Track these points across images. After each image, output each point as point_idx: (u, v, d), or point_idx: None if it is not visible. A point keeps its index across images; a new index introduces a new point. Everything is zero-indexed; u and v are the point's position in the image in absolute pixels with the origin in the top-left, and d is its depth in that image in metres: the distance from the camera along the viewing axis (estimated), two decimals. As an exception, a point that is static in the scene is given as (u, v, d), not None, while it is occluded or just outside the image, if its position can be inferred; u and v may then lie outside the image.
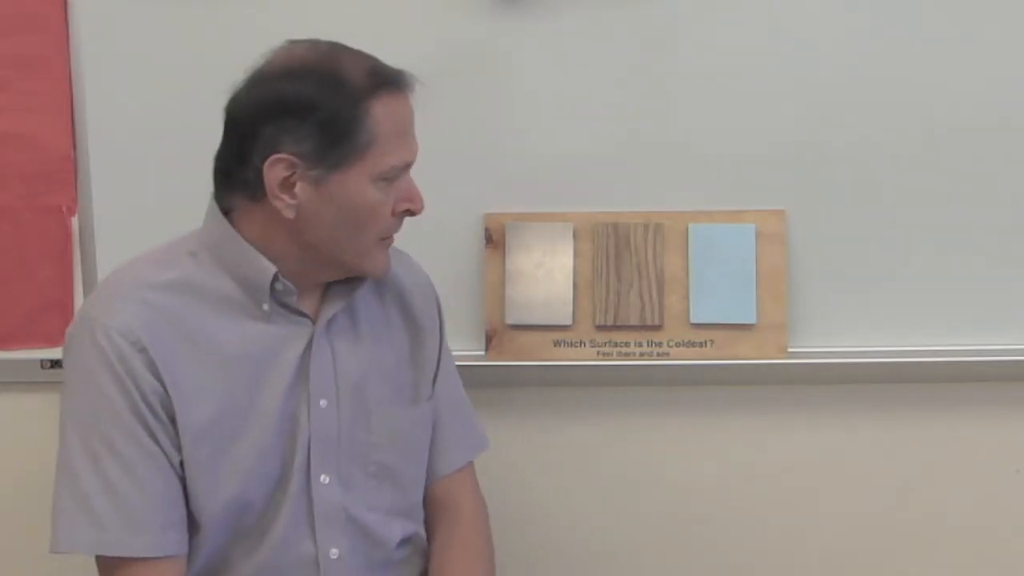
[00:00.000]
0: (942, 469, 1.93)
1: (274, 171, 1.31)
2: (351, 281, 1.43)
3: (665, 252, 1.84)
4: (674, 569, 1.98)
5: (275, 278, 1.35)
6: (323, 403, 1.41)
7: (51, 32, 1.81)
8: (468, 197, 1.84)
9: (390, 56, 1.80)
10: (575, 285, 1.85)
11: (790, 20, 1.78)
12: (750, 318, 1.83)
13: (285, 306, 1.38)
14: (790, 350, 1.83)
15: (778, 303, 1.83)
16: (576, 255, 1.85)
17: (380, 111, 1.33)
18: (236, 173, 1.34)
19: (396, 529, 1.49)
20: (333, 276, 1.41)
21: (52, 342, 1.84)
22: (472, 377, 1.83)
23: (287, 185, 1.31)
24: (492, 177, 1.84)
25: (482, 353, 1.85)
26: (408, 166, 1.39)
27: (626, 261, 1.85)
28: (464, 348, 1.84)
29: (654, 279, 1.84)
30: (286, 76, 1.32)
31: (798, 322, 1.84)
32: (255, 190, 1.33)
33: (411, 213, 1.41)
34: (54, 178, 1.83)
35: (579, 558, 1.98)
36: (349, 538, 1.43)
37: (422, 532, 1.55)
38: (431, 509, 1.58)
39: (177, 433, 1.33)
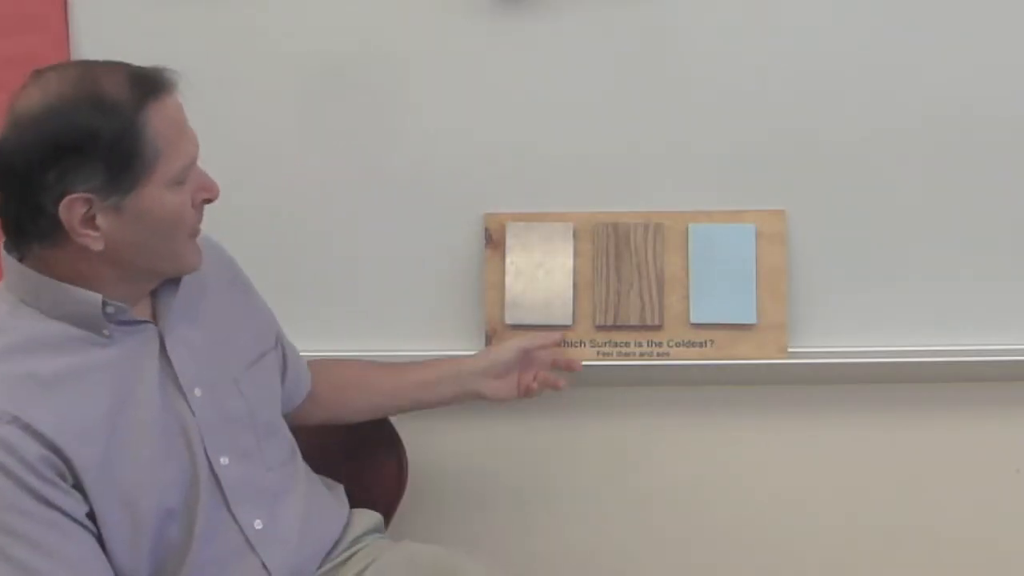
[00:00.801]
0: (942, 469, 1.93)
1: (71, 212, 1.26)
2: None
3: (665, 252, 1.84)
4: (674, 569, 1.98)
5: (104, 304, 1.33)
6: (198, 392, 1.42)
7: (51, 32, 1.81)
8: (468, 197, 1.84)
9: (390, 56, 1.81)
10: (575, 285, 1.85)
11: (790, 20, 1.78)
12: (750, 318, 1.83)
13: (124, 323, 1.36)
14: (790, 350, 1.83)
15: (778, 303, 1.83)
16: (576, 255, 1.85)
17: (155, 120, 1.29)
18: (28, 223, 1.28)
19: (292, 472, 1.54)
20: (154, 284, 1.41)
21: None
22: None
23: (87, 220, 1.27)
24: (492, 177, 1.84)
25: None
26: (194, 161, 1.36)
27: (626, 261, 1.85)
28: (464, 348, 1.84)
29: (654, 279, 1.84)
30: (52, 114, 1.25)
31: (798, 322, 1.84)
32: (55, 235, 1.28)
33: (209, 201, 1.39)
34: (54, 178, 1.83)
35: (579, 558, 1.98)
36: (266, 504, 1.46)
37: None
38: (319, 407, 1.68)
39: (80, 484, 1.29)
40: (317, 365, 1.70)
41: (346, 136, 1.82)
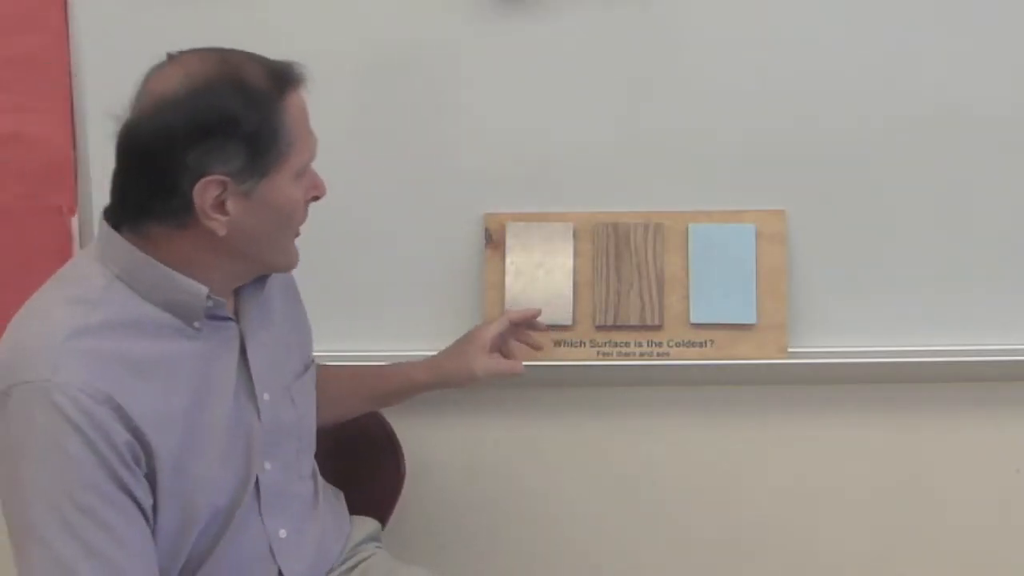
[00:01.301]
0: (942, 469, 1.93)
1: (205, 194, 1.27)
2: (259, 276, 1.44)
3: (665, 252, 1.84)
4: (674, 568, 1.98)
5: (207, 296, 1.34)
6: (266, 396, 1.43)
7: (51, 32, 1.81)
8: (468, 197, 1.84)
9: (390, 56, 1.81)
10: (575, 285, 1.85)
11: (790, 20, 1.78)
12: (750, 318, 1.83)
13: (214, 317, 1.37)
14: (790, 350, 1.83)
15: (778, 303, 1.83)
16: (576, 255, 1.85)
17: (291, 110, 1.32)
18: (158, 203, 1.29)
19: (317, 484, 1.56)
20: (250, 278, 1.41)
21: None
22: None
23: (218, 204, 1.28)
24: (492, 177, 1.84)
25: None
26: (314, 157, 1.39)
27: (626, 261, 1.85)
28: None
29: (654, 279, 1.84)
30: (197, 96, 1.26)
31: (798, 322, 1.84)
32: (182, 216, 1.29)
33: (316, 199, 1.41)
34: (54, 178, 1.84)
35: (579, 558, 1.98)
36: (292, 514, 1.47)
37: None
38: None
39: (153, 472, 1.29)
40: None
41: (346, 136, 1.82)
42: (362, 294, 1.87)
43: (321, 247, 1.85)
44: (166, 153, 1.26)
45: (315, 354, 1.71)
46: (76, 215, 1.84)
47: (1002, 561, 1.95)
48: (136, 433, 1.27)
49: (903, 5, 1.77)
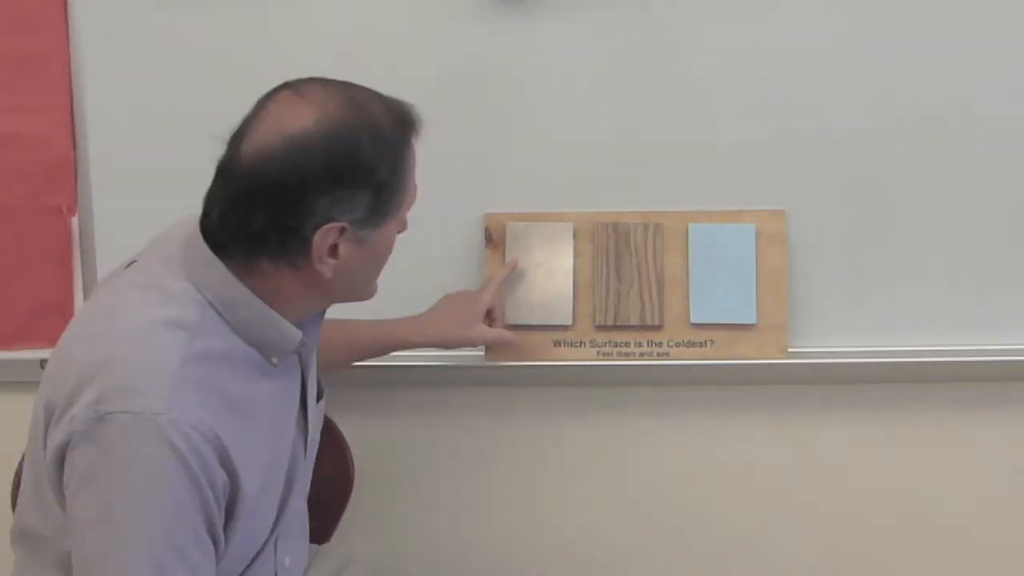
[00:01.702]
0: (942, 469, 1.93)
1: (325, 239, 1.24)
2: None
3: (665, 252, 1.84)
4: (674, 568, 1.98)
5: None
6: (312, 431, 1.43)
7: (51, 32, 1.81)
8: (468, 197, 1.84)
9: (389, 56, 1.81)
10: (575, 285, 1.85)
11: (790, 20, 1.78)
12: (750, 318, 1.83)
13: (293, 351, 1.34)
14: (790, 350, 1.83)
15: (778, 303, 1.83)
16: (576, 255, 1.85)
17: (410, 160, 1.31)
18: (275, 241, 1.24)
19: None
20: (325, 307, 1.39)
21: (52, 342, 1.81)
22: (472, 377, 1.83)
23: (332, 248, 1.26)
24: (492, 177, 1.84)
25: (482, 353, 1.85)
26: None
27: (626, 261, 1.85)
28: (464, 348, 1.84)
29: (654, 279, 1.84)
30: (333, 140, 1.23)
31: (798, 322, 1.84)
32: (296, 257, 1.25)
33: (399, 232, 1.39)
34: (54, 178, 1.84)
35: (579, 557, 1.98)
36: (296, 539, 1.46)
37: None
38: None
39: (232, 510, 1.25)
40: None
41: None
42: (362, 294, 1.87)
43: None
44: (297, 195, 1.22)
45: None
46: (76, 215, 1.84)
47: (1002, 561, 1.95)
48: (230, 471, 1.23)
49: (903, 5, 1.77)
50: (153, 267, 1.30)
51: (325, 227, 1.23)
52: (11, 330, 1.85)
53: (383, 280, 1.83)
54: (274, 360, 1.30)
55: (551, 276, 1.85)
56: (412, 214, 1.83)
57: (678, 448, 1.94)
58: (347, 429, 1.80)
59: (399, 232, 1.38)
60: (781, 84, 1.79)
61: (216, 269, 1.26)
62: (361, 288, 1.36)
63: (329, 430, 1.79)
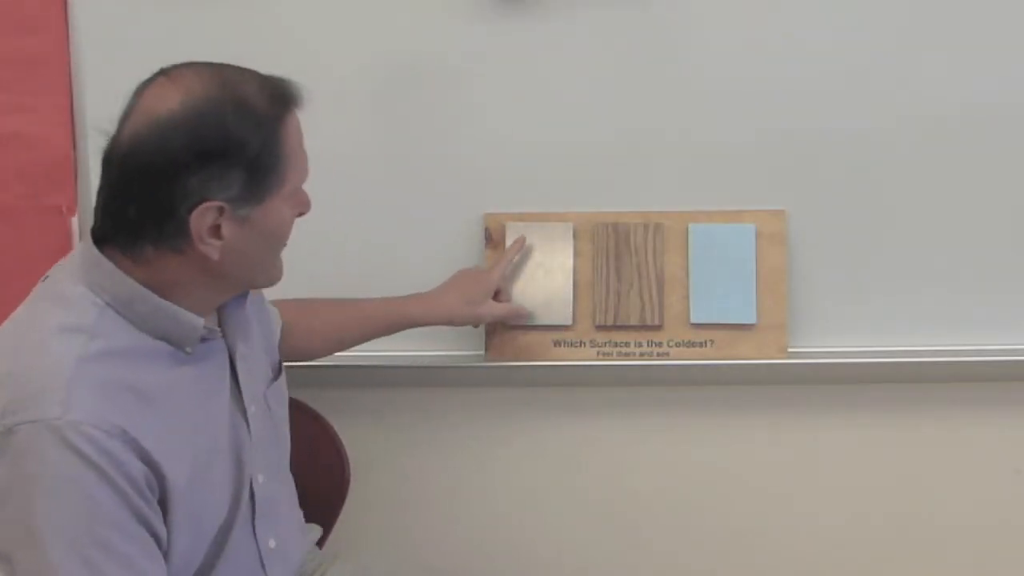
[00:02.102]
0: (942, 469, 1.93)
1: (203, 220, 1.24)
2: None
3: (665, 252, 1.84)
4: (674, 569, 1.98)
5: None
6: (253, 408, 1.42)
7: (51, 32, 1.81)
8: (468, 197, 1.84)
9: (390, 56, 1.81)
10: (575, 285, 1.85)
11: (790, 20, 1.78)
12: (750, 318, 1.83)
13: (204, 339, 1.34)
14: (790, 350, 1.83)
15: (778, 303, 1.83)
16: (576, 255, 1.85)
17: (289, 134, 1.29)
18: (152, 226, 1.25)
19: (292, 488, 1.55)
20: (234, 294, 1.39)
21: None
22: (472, 377, 1.83)
23: (213, 229, 1.25)
24: (492, 177, 1.84)
25: (482, 353, 1.85)
26: (307, 177, 1.36)
27: (626, 261, 1.85)
28: (464, 348, 1.84)
29: (654, 279, 1.84)
30: (198, 118, 1.22)
31: (798, 322, 1.84)
32: (177, 241, 1.25)
33: (301, 215, 1.38)
34: (54, 178, 1.83)
35: (578, 557, 1.98)
36: (279, 522, 1.46)
37: None
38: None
39: (165, 501, 1.26)
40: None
41: (345, 136, 1.82)
42: (362, 294, 1.86)
43: (321, 247, 1.86)
44: (166, 177, 1.22)
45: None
46: (76, 215, 1.84)
47: (1002, 561, 1.95)
48: (150, 463, 1.23)
49: (903, 5, 1.77)
50: (57, 277, 1.32)
51: (200, 207, 1.23)
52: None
53: (383, 280, 1.85)
54: (187, 349, 1.31)
55: (551, 276, 1.85)
56: (412, 213, 1.85)
57: (678, 448, 1.94)
58: (345, 429, 1.80)
59: (301, 213, 1.37)
60: (781, 84, 1.79)
61: (107, 268, 1.27)
62: (260, 271, 1.35)
63: (325, 430, 1.79)
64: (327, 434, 1.79)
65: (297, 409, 1.76)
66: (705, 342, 1.84)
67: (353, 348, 1.82)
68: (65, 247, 1.84)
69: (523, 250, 1.83)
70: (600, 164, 1.83)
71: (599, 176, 1.84)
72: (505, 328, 1.84)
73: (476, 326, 1.79)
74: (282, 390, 1.54)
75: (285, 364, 1.57)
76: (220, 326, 1.38)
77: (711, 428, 1.93)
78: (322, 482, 1.76)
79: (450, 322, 1.72)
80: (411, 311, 1.70)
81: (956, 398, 1.90)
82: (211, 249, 1.26)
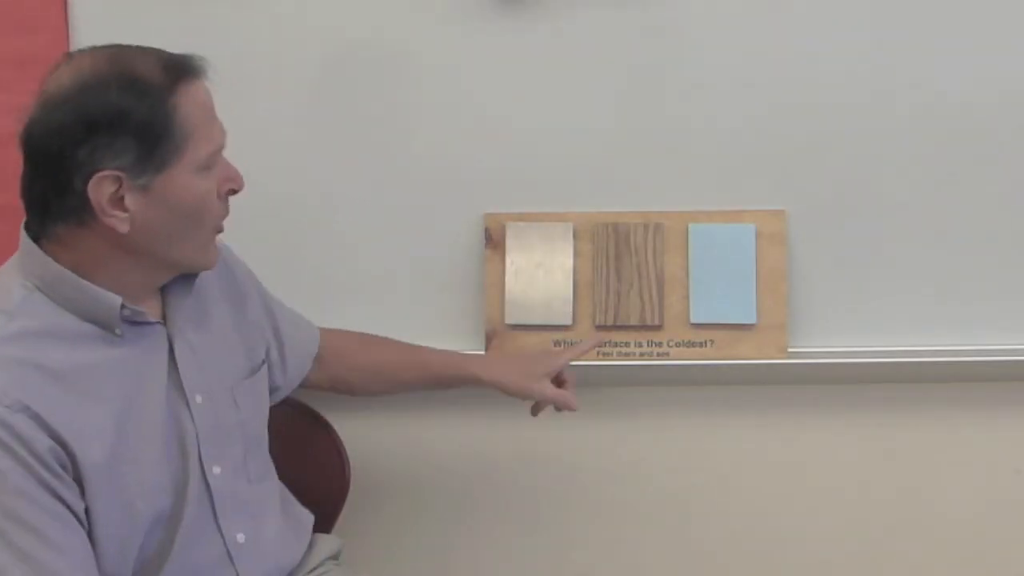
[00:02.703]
0: (942, 469, 1.93)
1: (100, 190, 1.26)
2: (186, 276, 1.43)
3: (665, 252, 1.84)
4: (674, 568, 1.98)
5: (122, 306, 1.33)
6: (199, 399, 1.42)
7: (51, 32, 1.81)
8: (468, 197, 1.84)
9: (390, 55, 1.81)
10: (575, 285, 1.85)
11: (790, 20, 1.78)
12: (750, 318, 1.83)
13: (136, 323, 1.36)
14: (790, 350, 1.83)
15: (778, 303, 1.83)
16: (576, 255, 1.85)
17: (185, 103, 1.30)
18: (57, 202, 1.28)
19: (271, 488, 1.55)
20: (168, 278, 1.40)
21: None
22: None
23: (116, 200, 1.28)
24: (492, 177, 1.84)
25: (482, 353, 1.85)
26: (222, 148, 1.37)
27: (626, 261, 1.85)
28: (464, 348, 1.84)
29: (654, 279, 1.84)
30: (84, 91, 1.26)
31: (798, 322, 1.84)
32: (82, 214, 1.28)
33: (234, 192, 1.39)
34: (54, 178, 1.83)
35: (578, 557, 1.98)
36: (249, 518, 1.46)
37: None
38: (320, 372, 1.69)
39: (80, 479, 1.28)
40: (331, 336, 1.71)
41: (345, 136, 1.82)
42: (362, 293, 1.87)
43: (321, 247, 1.86)
44: (57, 151, 1.26)
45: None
46: (76, 215, 1.84)
47: (1002, 561, 1.95)
48: (58, 440, 1.26)
49: (903, 6, 1.77)
50: (1, 269, 1.38)
51: (95, 177, 1.26)
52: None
53: (384, 279, 1.85)
54: (117, 331, 1.33)
55: (551, 276, 1.85)
56: (412, 213, 1.85)
57: (678, 448, 1.94)
58: (345, 429, 1.80)
59: (232, 191, 1.38)
60: (781, 84, 1.79)
61: (34, 254, 1.32)
62: (180, 247, 1.36)
63: (325, 430, 1.79)
64: (327, 434, 1.79)
65: (297, 409, 1.77)
66: (705, 342, 1.84)
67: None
68: (65, 247, 1.84)
69: (597, 342, 1.80)
70: (600, 164, 1.83)
71: (599, 176, 1.84)
72: (505, 328, 1.84)
73: (524, 399, 1.72)
74: (258, 390, 1.54)
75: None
76: (164, 314, 1.40)
77: (711, 428, 1.93)
78: (322, 482, 1.76)
79: (501, 388, 1.68)
80: (473, 370, 1.69)
81: (956, 398, 1.90)
82: (117, 221, 1.28)
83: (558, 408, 1.68)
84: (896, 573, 1.96)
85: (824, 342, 1.85)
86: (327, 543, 1.64)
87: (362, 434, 1.85)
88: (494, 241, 1.85)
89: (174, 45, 1.36)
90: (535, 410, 1.72)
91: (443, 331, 1.84)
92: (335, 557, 1.64)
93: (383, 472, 1.94)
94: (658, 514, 1.96)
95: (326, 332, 1.71)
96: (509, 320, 1.84)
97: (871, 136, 1.80)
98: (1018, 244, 1.83)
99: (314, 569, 1.59)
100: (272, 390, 1.61)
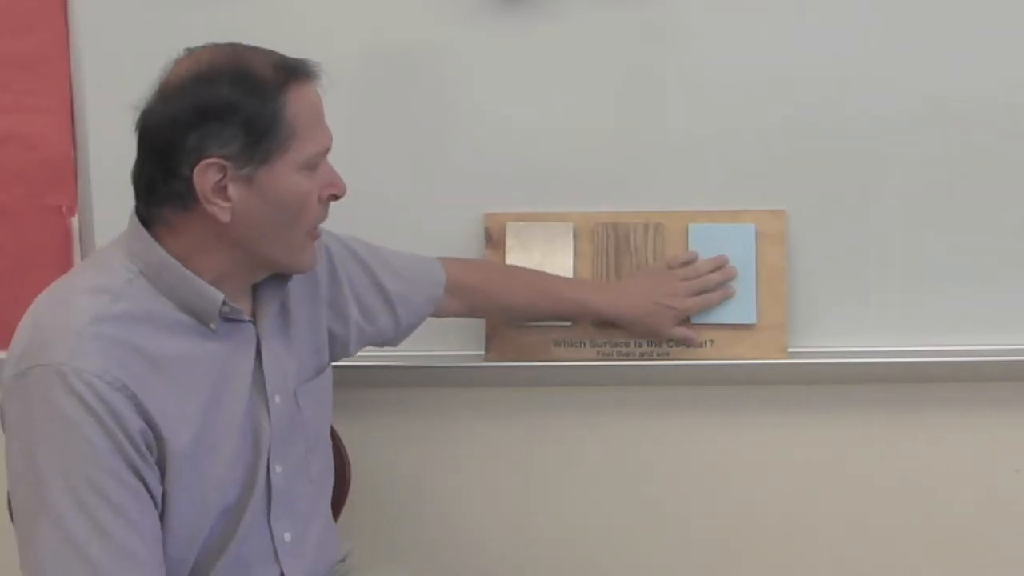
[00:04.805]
0: (942, 469, 1.93)
1: (205, 177, 1.31)
2: (278, 277, 1.45)
3: (665, 252, 1.84)
4: (674, 569, 1.98)
5: (223, 302, 1.36)
6: (278, 399, 1.44)
7: (51, 32, 1.81)
8: (468, 197, 1.84)
9: (391, 56, 1.81)
10: (575, 285, 1.85)
11: (790, 20, 1.78)
12: (750, 318, 1.83)
13: (230, 320, 1.39)
14: (790, 350, 1.83)
15: (778, 303, 1.83)
16: (576, 255, 1.85)
17: (294, 101, 1.34)
18: (163, 187, 1.33)
19: (326, 489, 1.58)
20: (263, 276, 1.43)
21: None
22: (472, 377, 1.83)
23: (219, 189, 1.32)
24: (492, 177, 1.84)
25: (482, 353, 1.85)
26: (327, 151, 1.40)
27: (626, 261, 1.84)
28: (464, 348, 1.84)
29: (654, 279, 1.84)
30: (199, 82, 1.32)
31: (798, 322, 1.84)
32: (187, 200, 1.33)
33: (335, 198, 1.42)
34: (54, 178, 1.84)
35: (579, 558, 1.98)
36: (298, 518, 1.48)
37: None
38: (455, 304, 1.74)
39: (164, 463, 1.32)
40: (460, 271, 1.75)
41: (345, 136, 1.81)
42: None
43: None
44: (169, 137, 1.31)
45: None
46: (76, 215, 1.84)
47: (1002, 561, 1.95)
48: (149, 422, 1.30)
49: (904, 5, 1.77)
50: (105, 247, 1.43)
51: (202, 163, 1.30)
52: (11, 330, 1.84)
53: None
54: (212, 325, 1.37)
55: (551, 276, 1.85)
56: (412, 213, 1.85)
57: (678, 448, 1.94)
58: (345, 429, 1.80)
59: (334, 196, 1.41)
60: (781, 84, 1.79)
61: (143, 238, 1.36)
62: (277, 244, 1.38)
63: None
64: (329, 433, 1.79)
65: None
66: (705, 342, 1.84)
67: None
68: (65, 247, 1.84)
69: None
70: (600, 164, 1.83)
71: (599, 176, 1.84)
72: (505, 328, 1.84)
73: (651, 340, 1.82)
74: (320, 392, 1.56)
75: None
76: (254, 313, 1.44)
77: (711, 428, 1.93)
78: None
79: (627, 327, 1.80)
80: (597, 303, 1.78)
81: (956, 398, 1.90)
82: (219, 209, 1.32)
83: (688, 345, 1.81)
84: (896, 573, 1.96)
85: (824, 342, 1.85)
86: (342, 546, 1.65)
87: (363, 434, 1.85)
88: (494, 241, 1.85)
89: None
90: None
91: (443, 331, 1.83)
92: (342, 560, 1.66)
93: (384, 472, 1.94)
94: (658, 514, 1.96)
95: (455, 267, 1.74)
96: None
97: (871, 136, 1.80)
98: (1018, 244, 1.82)
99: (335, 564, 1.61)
100: (384, 342, 1.69)
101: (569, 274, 1.84)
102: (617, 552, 1.97)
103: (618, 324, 1.80)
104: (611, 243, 1.84)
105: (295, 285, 1.50)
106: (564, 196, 1.84)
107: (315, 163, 1.37)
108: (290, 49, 1.80)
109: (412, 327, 1.70)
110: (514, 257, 1.84)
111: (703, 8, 1.78)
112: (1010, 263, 1.83)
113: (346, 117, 1.80)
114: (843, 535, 1.95)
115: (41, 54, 1.81)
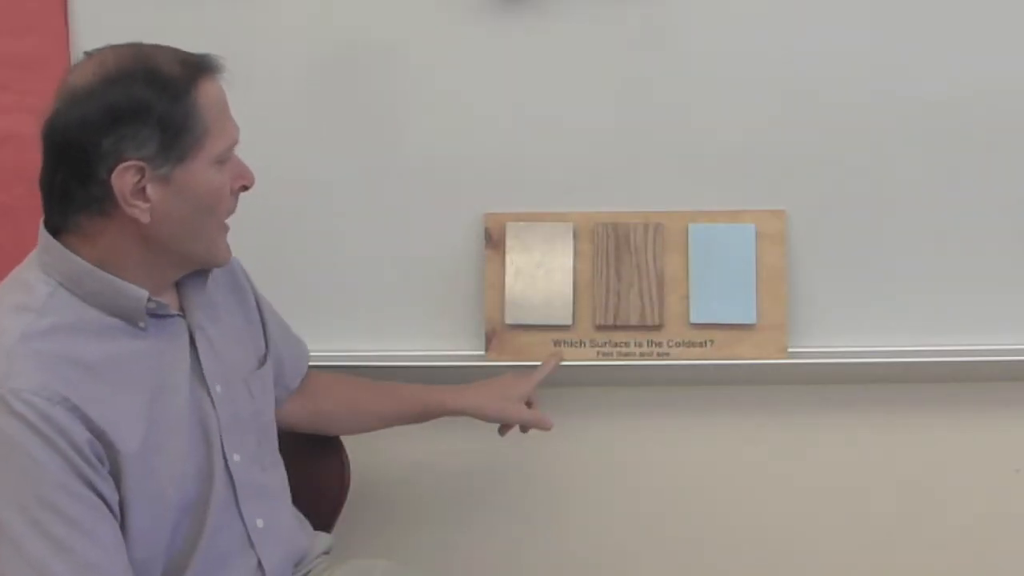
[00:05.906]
0: (942, 469, 1.93)
1: (124, 180, 1.30)
2: (199, 272, 1.46)
3: (665, 252, 1.84)
4: (674, 569, 1.98)
5: (148, 299, 1.36)
6: (219, 388, 1.45)
7: (51, 32, 1.81)
8: (468, 197, 1.84)
9: (390, 55, 1.81)
10: (575, 285, 1.85)
11: (791, 20, 1.78)
12: (750, 318, 1.83)
13: (158, 315, 1.39)
14: (790, 350, 1.83)
15: (778, 303, 1.83)
16: (576, 255, 1.85)
17: (204, 97, 1.34)
18: (80, 193, 1.32)
19: (282, 476, 1.58)
20: (183, 273, 1.43)
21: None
22: (472, 377, 1.83)
23: (138, 191, 1.31)
24: (492, 177, 1.84)
25: (482, 353, 1.85)
26: (235, 144, 1.40)
27: (626, 261, 1.85)
28: (464, 348, 1.85)
29: (654, 279, 1.84)
30: (109, 84, 1.31)
31: (798, 322, 1.84)
32: (104, 204, 1.32)
33: (245, 188, 1.43)
34: (54, 178, 1.83)
35: (579, 558, 1.98)
36: (266, 503, 1.49)
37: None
38: (301, 406, 1.70)
39: (117, 469, 1.32)
40: (313, 377, 1.73)
41: (346, 136, 1.82)
42: (362, 294, 1.87)
43: (321, 248, 1.86)
44: (82, 141, 1.30)
45: (318, 354, 1.73)
46: (76, 215, 1.84)
47: (1002, 561, 1.95)
48: (95, 431, 1.29)
49: (904, 5, 1.77)
50: (18, 269, 1.41)
51: (119, 167, 1.29)
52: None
53: (384, 280, 1.85)
54: (141, 324, 1.37)
55: (551, 276, 1.85)
56: (412, 213, 1.85)
57: (678, 448, 1.94)
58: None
59: (244, 187, 1.41)
60: (781, 84, 1.79)
61: (56, 250, 1.35)
62: (196, 240, 1.39)
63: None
64: (327, 435, 1.79)
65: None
66: (705, 342, 1.84)
67: (352, 347, 1.83)
68: (65, 247, 1.84)
69: (559, 362, 1.82)
70: (600, 164, 1.83)
71: (599, 176, 1.84)
72: (505, 328, 1.84)
73: (499, 424, 1.74)
74: (267, 381, 1.57)
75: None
76: (181, 307, 1.44)
77: (711, 428, 1.93)
78: (322, 483, 1.76)
79: (482, 415, 1.72)
80: (445, 400, 1.71)
81: (956, 398, 1.91)
82: (138, 211, 1.32)
83: (523, 430, 1.73)
84: (896, 573, 1.96)
85: (824, 342, 1.85)
86: (322, 540, 1.66)
87: (362, 436, 1.85)
88: (494, 241, 1.85)
89: (173, 44, 1.36)
90: (503, 431, 1.74)
91: (443, 331, 1.84)
92: (327, 553, 1.66)
93: (383, 473, 1.94)
94: (658, 514, 1.96)
95: (317, 380, 1.73)
96: (509, 320, 1.85)
97: (871, 136, 1.80)
98: (1018, 244, 1.82)
99: (314, 560, 1.61)
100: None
101: (569, 274, 1.84)
102: (617, 552, 1.98)
103: (466, 414, 1.72)
104: (611, 243, 1.84)
105: (217, 278, 1.50)
106: (564, 196, 1.84)
107: (226, 157, 1.38)
108: (290, 49, 1.81)
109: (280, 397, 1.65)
110: (514, 257, 1.84)
111: (703, 8, 1.78)
112: (1010, 263, 1.83)
113: (346, 117, 1.81)
114: (843, 534, 1.95)
115: (41, 54, 1.81)
